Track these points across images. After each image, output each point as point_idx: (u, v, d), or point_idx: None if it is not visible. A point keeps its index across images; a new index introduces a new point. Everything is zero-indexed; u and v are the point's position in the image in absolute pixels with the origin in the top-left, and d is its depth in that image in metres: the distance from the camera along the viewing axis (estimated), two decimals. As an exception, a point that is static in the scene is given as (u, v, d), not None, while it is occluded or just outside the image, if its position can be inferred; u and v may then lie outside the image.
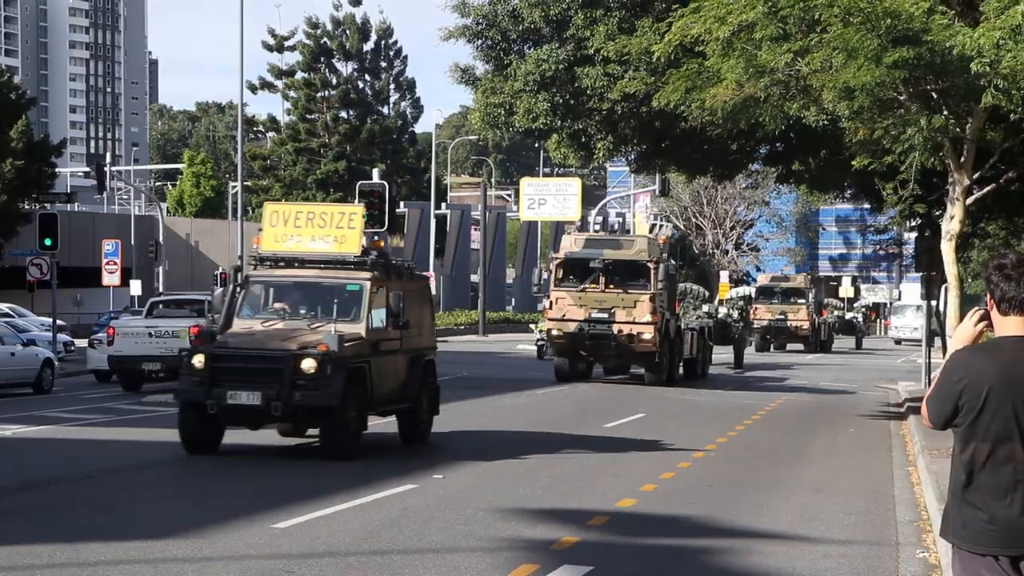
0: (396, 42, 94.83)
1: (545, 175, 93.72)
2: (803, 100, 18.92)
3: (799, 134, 24.84)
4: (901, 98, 18.22)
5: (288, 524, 12.44)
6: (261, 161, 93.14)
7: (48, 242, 35.69)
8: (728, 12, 17.71)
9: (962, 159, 19.76)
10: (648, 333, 32.99)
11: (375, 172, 39.30)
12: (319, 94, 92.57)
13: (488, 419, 24.39)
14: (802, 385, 37.58)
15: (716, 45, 18.27)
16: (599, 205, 69.85)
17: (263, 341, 17.53)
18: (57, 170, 62.07)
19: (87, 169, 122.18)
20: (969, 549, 5.39)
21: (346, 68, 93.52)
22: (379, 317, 18.41)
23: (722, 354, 44.55)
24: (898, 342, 76.22)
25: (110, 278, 49.09)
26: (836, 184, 32.25)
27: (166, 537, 11.66)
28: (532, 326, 54.13)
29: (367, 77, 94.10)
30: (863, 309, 79.84)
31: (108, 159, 59.56)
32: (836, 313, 69.20)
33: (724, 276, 76.54)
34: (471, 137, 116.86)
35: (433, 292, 72.20)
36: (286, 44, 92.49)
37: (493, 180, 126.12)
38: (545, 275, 35.77)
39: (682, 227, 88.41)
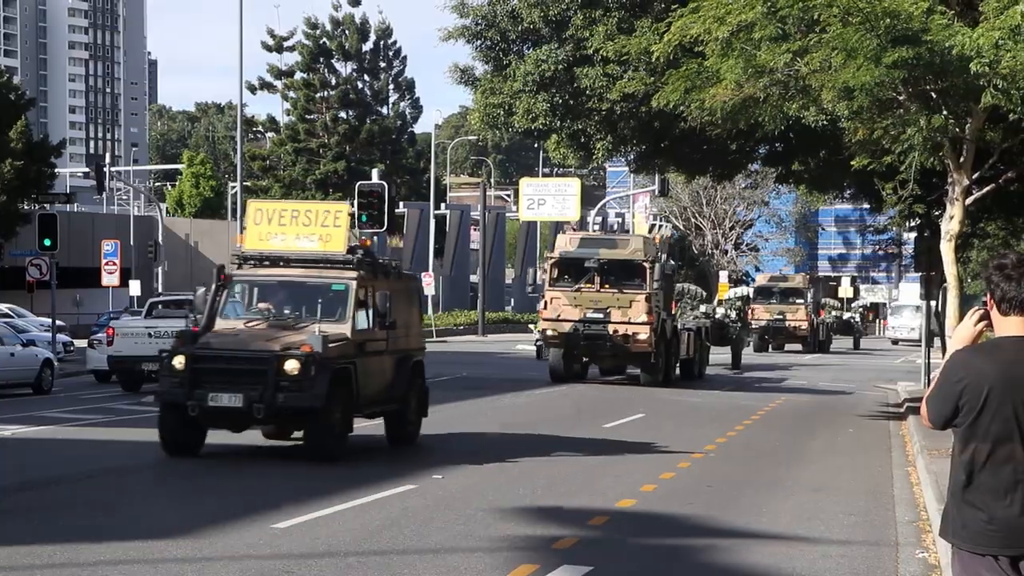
0: (395, 42, 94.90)
1: (544, 175, 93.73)
2: (802, 100, 18.92)
3: (798, 134, 24.85)
4: (900, 98, 18.22)
5: (288, 524, 12.44)
6: (260, 161, 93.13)
7: (47, 242, 35.69)
8: (727, 12, 17.71)
9: (961, 159, 19.76)
10: (644, 333, 32.74)
11: (374, 172, 39.41)
12: (318, 94, 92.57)
13: (487, 419, 24.39)
14: (801, 386, 37.56)
15: (715, 45, 18.27)
16: (598, 205, 69.89)
17: (245, 342, 17.21)
18: (56, 170, 62.05)
19: (86, 169, 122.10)
20: (969, 549, 5.39)
21: (345, 68, 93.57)
22: (365, 317, 18.13)
23: (721, 355, 44.48)
24: (895, 342, 76.06)
25: (109, 278, 49.06)
26: (835, 184, 32.24)
27: (166, 537, 11.66)
28: (531, 326, 54.10)
29: (366, 77, 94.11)
30: (860, 309, 79.57)
31: (107, 159, 59.48)
32: (834, 313, 68.92)
33: (723, 276, 76.54)
34: (470, 137, 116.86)
35: (432, 292, 71.96)
36: (285, 44, 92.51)
37: (492, 180, 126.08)
38: (541, 275, 35.56)
39: (681, 227, 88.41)
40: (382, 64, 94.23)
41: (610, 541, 12.28)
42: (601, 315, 33.01)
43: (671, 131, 26.07)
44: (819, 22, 17.19)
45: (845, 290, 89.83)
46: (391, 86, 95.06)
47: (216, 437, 17.83)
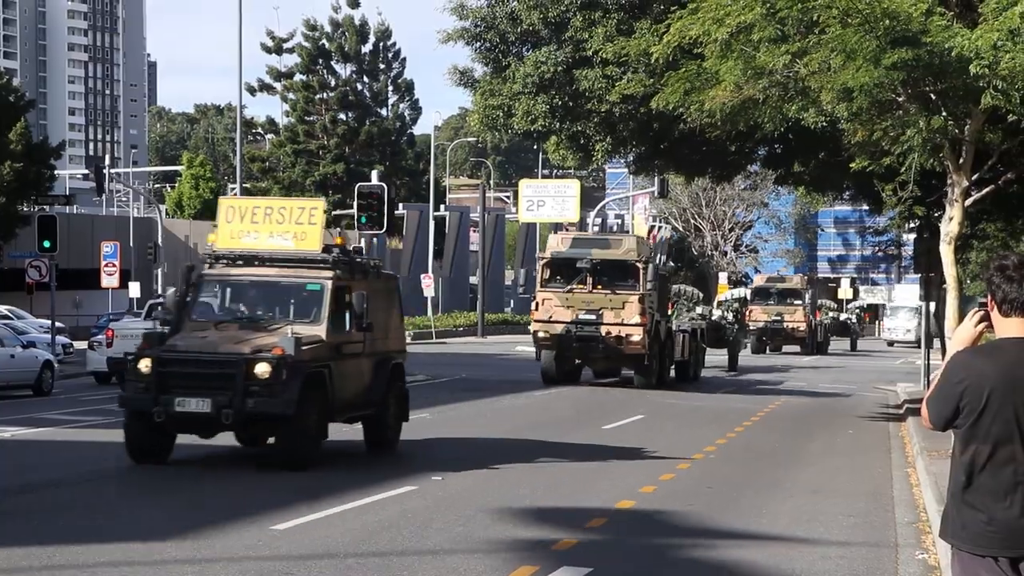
0: (395, 44, 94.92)
1: (544, 177, 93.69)
2: (802, 102, 18.90)
3: (798, 135, 24.84)
4: (900, 99, 18.22)
5: (287, 526, 12.44)
6: (260, 163, 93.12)
7: (47, 244, 35.67)
8: (726, 13, 17.70)
9: (961, 160, 19.76)
10: (637, 335, 32.31)
11: (374, 174, 39.42)
12: (318, 96, 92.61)
13: (487, 420, 24.39)
14: (800, 388, 37.50)
15: (714, 47, 18.26)
16: (598, 207, 69.96)
17: (214, 344, 16.56)
18: (56, 172, 62.04)
19: (86, 171, 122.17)
20: (968, 550, 5.39)
21: (344, 70, 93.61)
22: (341, 318, 17.45)
23: (717, 356, 44.41)
24: (891, 344, 75.84)
25: (109, 280, 49.06)
26: (835, 186, 32.22)
27: (165, 539, 11.66)
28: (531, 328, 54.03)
29: (365, 79, 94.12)
30: (857, 311, 79.31)
31: (107, 161, 59.51)
32: (831, 315, 68.53)
33: (723, 278, 76.54)
34: (470, 139, 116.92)
35: (432, 294, 71.87)
36: (285, 46, 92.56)
37: (492, 182, 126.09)
38: (533, 275, 35.23)
39: (681, 229, 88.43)
40: (381, 66, 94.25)
41: (610, 542, 12.28)
42: (594, 316, 32.59)
43: (670, 132, 26.07)
44: (818, 23, 17.18)
45: (845, 291, 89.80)
46: (390, 88, 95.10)
47: (215, 439, 17.77)
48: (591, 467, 17.83)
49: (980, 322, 5.53)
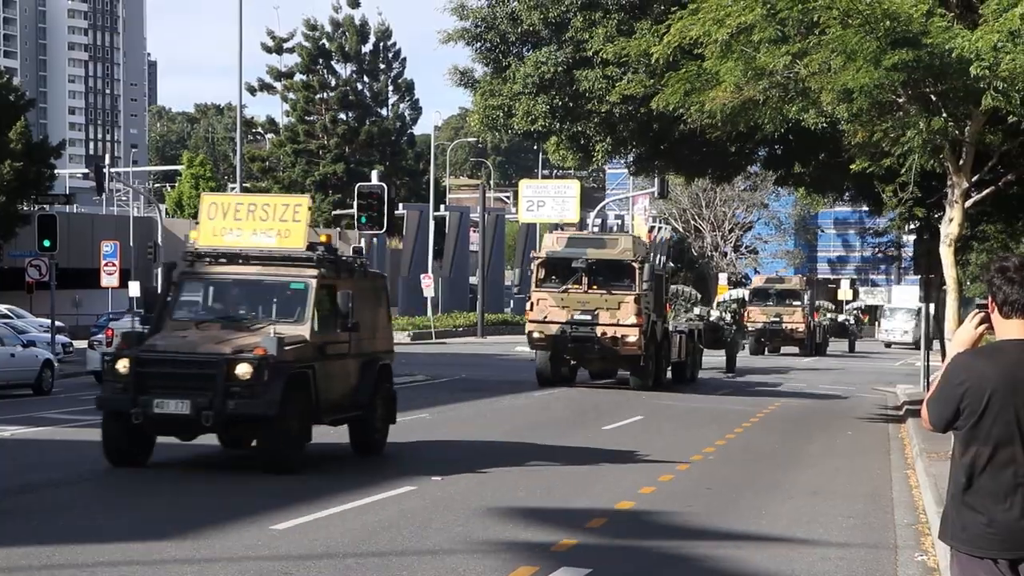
0: (395, 44, 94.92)
1: (544, 177, 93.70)
2: (802, 102, 18.90)
3: (798, 136, 24.83)
4: (900, 100, 18.22)
5: (286, 526, 12.45)
6: (260, 163, 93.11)
7: (47, 243, 35.66)
8: (727, 14, 17.70)
9: (961, 162, 19.76)
10: (633, 335, 31.86)
11: (374, 174, 39.38)
12: (318, 96, 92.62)
13: (486, 420, 24.39)
14: (799, 389, 37.47)
15: (715, 47, 18.26)
16: (598, 207, 69.93)
17: (194, 344, 16.14)
18: (56, 171, 62.02)
19: (86, 170, 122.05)
20: (968, 552, 5.39)
21: (345, 70, 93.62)
22: (326, 318, 17.05)
23: (717, 357, 44.36)
24: (888, 345, 75.60)
25: (109, 279, 48.99)
26: (835, 187, 32.19)
27: (164, 538, 11.66)
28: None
29: (366, 79, 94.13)
30: (855, 312, 79.08)
31: (107, 160, 59.41)
32: (828, 316, 68.19)
33: (723, 278, 76.52)
34: (470, 139, 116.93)
35: (432, 294, 71.76)
36: (285, 46, 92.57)
37: (492, 182, 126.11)
38: (528, 274, 34.89)
39: (681, 229, 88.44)
40: (381, 66, 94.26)
41: (609, 543, 12.28)
42: (589, 317, 32.13)
43: (671, 133, 26.07)
44: (819, 24, 17.18)
45: (844, 292, 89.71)
46: (390, 88, 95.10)
47: (211, 438, 17.75)
48: (591, 468, 17.83)
49: (980, 324, 5.53)
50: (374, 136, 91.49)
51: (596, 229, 60.47)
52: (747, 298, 57.32)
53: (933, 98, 18.04)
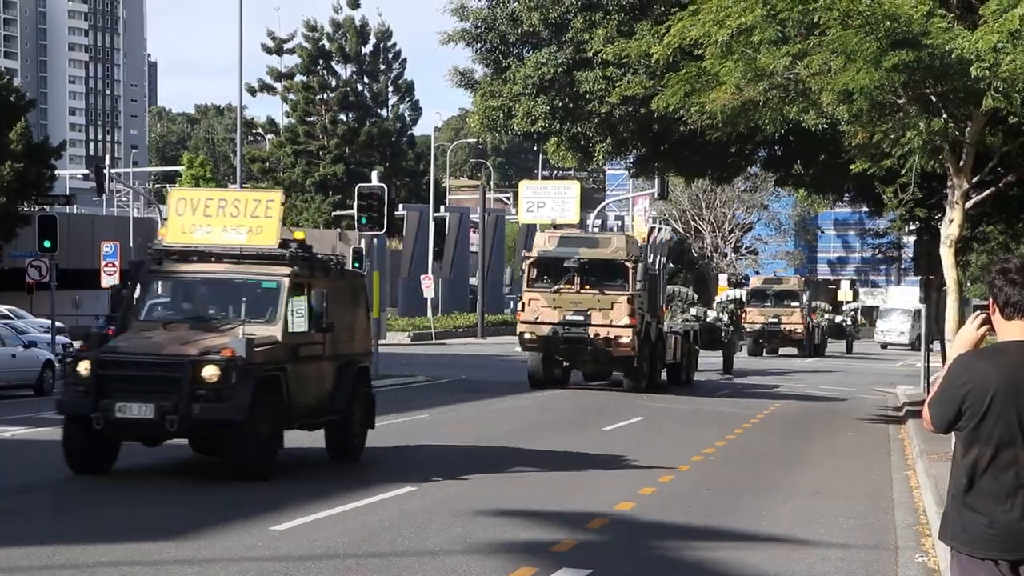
0: (395, 45, 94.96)
1: (544, 178, 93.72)
2: (802, 103, 18.90)
3: (798, 137, 24.84)
4: (900, 101, 18.22)
5: (286, 526, 12.45)
6: (260, 163, 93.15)
7: (47, 244, 35.64)
8: (727, 15, 17.69)
9: (961, 163, 19.76)
10: (626, 336, 31.34)
11: (374, 175, 39.37)
12: (318, 96, 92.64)
13: (486, 421, 24.39)
14: (799, 390, 37.42)
15: (715, 48, 18.26)
16: (598, 208, 69.96)
17: (159, 346, 15.41)
18: (56, 172, 62.04)
19: (86, 171, 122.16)
20: (968, 553, 5.39)
21: (345, 71, 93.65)
22: (300, 318, 16.23)
23: (715, 358, 44.32)
24: (884, 346, 75.34)
25: (109, 280, 48.91)
26: (835, 188, 32.17)
27: (165, 538, 11.66)
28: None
29: (366, 80, 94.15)
30: (852, 312, 78.94)
31: (107, 161, 59.49)
32: (826, 316, 67.88)
33: (723, 279, 76.52)
34: (470, 140, 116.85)
35: (432, 295, 71.57)
36: (285, 47, 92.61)
37: (492, 183, 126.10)
38: (520, 274, 34.55)
39: (681, 230, 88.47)
40: (382, 66, 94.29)
41: (609, 544, 12.28)
42: (581, 317, 31.58)
43: (671, 134, 26.07)
44: (819, 25, 17.18)
45: (844, 293, 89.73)
46: (391, 88, 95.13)
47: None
48: (591, 468, 17.82)
49: (982, 325, 5.53)
50: (374, 137, 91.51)
51: (596, 230, 60.44)
52: (745, 299, 57.01)
53: (933, 99, 18.04)
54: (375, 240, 38.93)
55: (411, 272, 75.36)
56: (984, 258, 35.75)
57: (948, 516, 5.51)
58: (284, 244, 16.69)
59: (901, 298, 75.64)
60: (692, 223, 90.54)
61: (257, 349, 15.34)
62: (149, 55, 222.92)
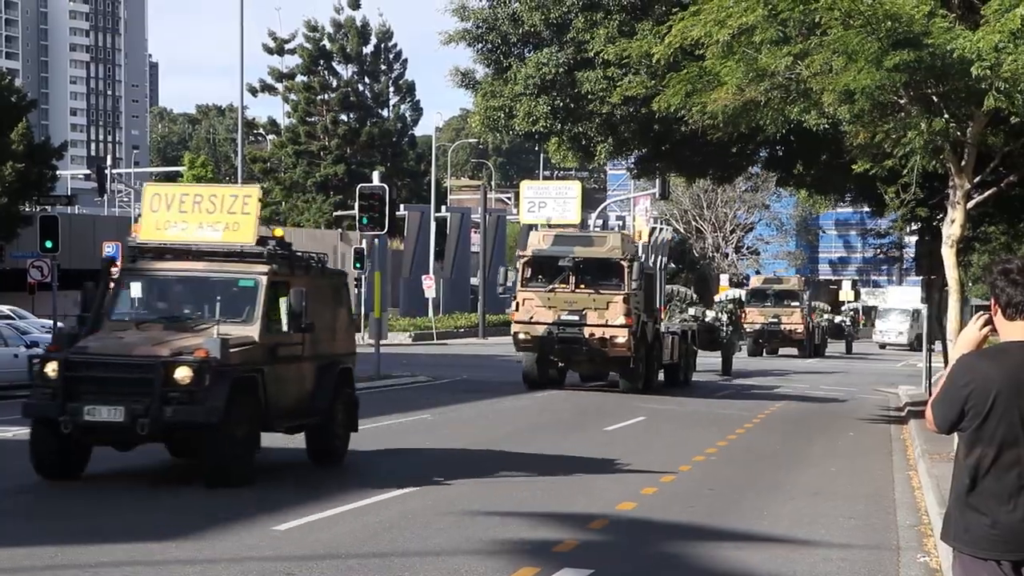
0: (396, 45, 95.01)
1: (545, 178, 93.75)
2: (803, 104, 18.89)
3: (799, 138, 24.84)
4: (902, 101, 18.22)
5: (288, 526, 12.45)
6: (261, 164, 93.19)
7: (49, 244, 35.64)
8: (728, 15, 17.69)
9: (963, 163, 19.76)
10: (622, 336, 30.90)
11: (375, 175, 39.40)
12: (319, 97, 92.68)
13: (488, 421, 24.41)
14: (799, 391, 37.36)
15: (716, 48, 18.26)
16: (599, 208, 69.95)
17: (131, 346, 14.88)
18: (58, 172, 62.09)
19: (88, 171, 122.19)
20: (971, 553, 5.39)
21: (346, 71, 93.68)
22: (279, 318, 15.82)
23: (714, 359, 44.24)
24: (883, 347, 75.14)
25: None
26: (837, 188, 32.16)
27: (167, 539, 11.66)
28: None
29: (367, 80, 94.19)
30: (851, 313, 78.84)
31: (108, 161, 59.67)
32: (825, 316, 67.69)
33: (724, 279, 76.51)
34: (471, 140, 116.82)
35: (433, 295, 71.45)
36: (286, 47, 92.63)
37: (493, 183, 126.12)
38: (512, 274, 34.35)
39: (682, 230, 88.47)
40: (383, 67, 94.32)
41: (611, 544, 12.29)
42: (576, 317, 31.13)
43: (672, 134, 26.07)
44: (820, 25, 17.18)
45: (846, 293, 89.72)
46: (391, 89, 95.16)
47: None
48: (592, 468, 17.82)
49: (984, 326, 5.53)
50: (375, 137, 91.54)
51: (596, 230, 60.41)
52: (745, 299, 56.82)
53: (935, 99, 18.04)
54: (376, 240, 38.95)
55: (412, 272, 75.34)
56: (986, 258, 35.74)
57: (950, 516, 5.51)
58: (262, 241, 16.30)
59: (900, 298, 75.55)
60: (693, 223, 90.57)
61: (233, 350, 14.88)
62: (150, 55, 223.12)
